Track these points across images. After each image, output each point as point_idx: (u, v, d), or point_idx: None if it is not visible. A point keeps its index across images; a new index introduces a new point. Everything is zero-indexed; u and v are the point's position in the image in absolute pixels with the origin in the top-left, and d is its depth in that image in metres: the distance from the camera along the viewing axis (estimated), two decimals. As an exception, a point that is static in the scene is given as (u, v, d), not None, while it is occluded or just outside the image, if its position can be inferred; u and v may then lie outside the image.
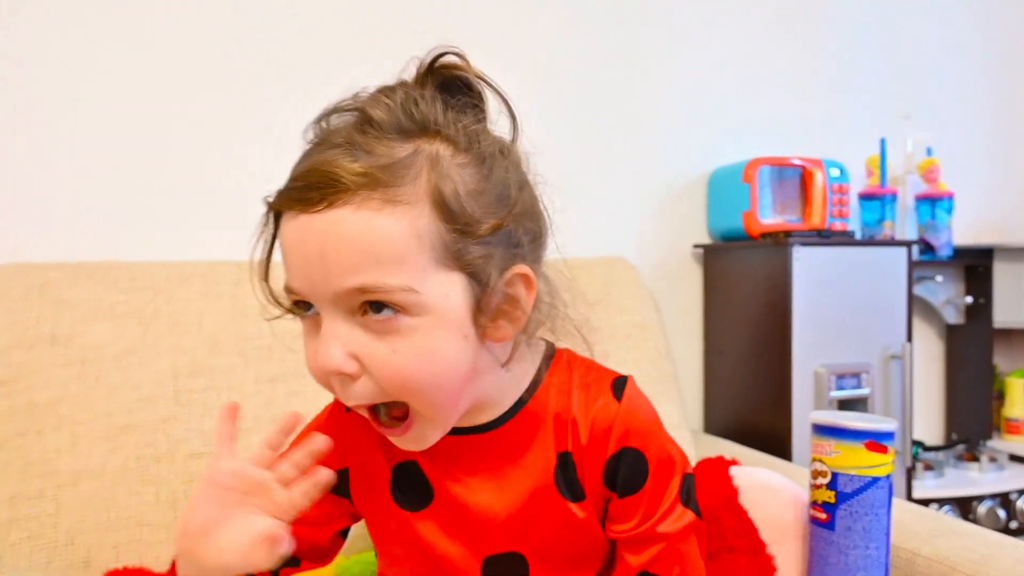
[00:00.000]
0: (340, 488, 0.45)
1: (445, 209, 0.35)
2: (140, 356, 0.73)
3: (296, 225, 0.35)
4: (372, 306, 0.35)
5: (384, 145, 0.35)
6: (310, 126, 0.38)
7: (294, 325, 0.79)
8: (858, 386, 1.09)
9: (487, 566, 0.43)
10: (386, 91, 0.37)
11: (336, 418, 0.47)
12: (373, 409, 0.38)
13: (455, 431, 0.41)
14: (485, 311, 0.37)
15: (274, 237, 0.39)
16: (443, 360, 0.36)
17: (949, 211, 1.32)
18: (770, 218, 1.15)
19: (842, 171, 1.19)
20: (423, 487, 0.43)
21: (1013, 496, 1.25)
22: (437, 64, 0.38)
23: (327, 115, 0.38)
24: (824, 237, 1.10)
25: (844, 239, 1.12)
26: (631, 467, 0.42)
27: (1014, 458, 1.35)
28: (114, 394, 0.71)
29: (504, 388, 0.42)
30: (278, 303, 0.39)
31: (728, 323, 1.19)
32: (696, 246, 1.23)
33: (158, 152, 0.93)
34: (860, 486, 0.55)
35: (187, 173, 0.94)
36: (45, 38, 0.87)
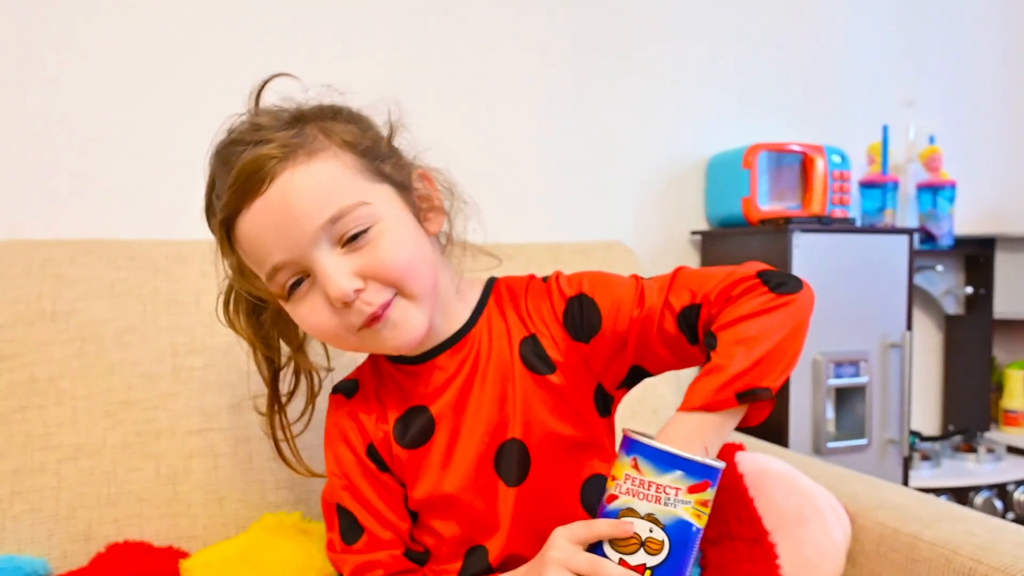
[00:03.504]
0: (381, 464, 0.52)
1: (349, 145, 0.46)
2: (140, 333, 0.73)
3: (254, 212, 0.44)
4: (349, 238, 0.44)
5: (281, 132, 0.46)
6: (209, 158, 0.48)
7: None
8: (856, 374, 1.10)
9: (498, 458, 0.51)
10: (256, 112, 0.49)
11: (343, 408, 0.54)
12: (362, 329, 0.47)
13: (425, 356, 0.51)
14: (415, 207, 0.49)
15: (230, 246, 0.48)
16: (412, 242, 0.47)
17: (951, 200, 1.32)
18: (769, 204, 1.15)
19: (843, 158, 1.18)
20: (425, 417, 0.51)
21: (1011, 487, 1.25)
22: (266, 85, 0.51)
23: (223, 144, 0.48)
24: (824, 224, 1.09)
25: (845, 226, 1.12)
26: (586, 311, 0.51)
27: (1012, 449, 1.35)
28: (114, 370, 0.71)
29: (456, 309, 0.52)
30: (271, 296, 0.47)
31: (727, 310, 1.19)
32: (694, 232, 1.23)
33: (159, 132, 0.93)
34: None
35: (187, 153, 0.94)
36: (45, 14, 0.87)
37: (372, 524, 0.51)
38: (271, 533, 0.68)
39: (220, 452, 0.72)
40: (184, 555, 0.66)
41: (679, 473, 0.40)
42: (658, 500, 0.40)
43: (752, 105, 1.26)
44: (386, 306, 0.45)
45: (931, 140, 1.36)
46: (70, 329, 0.71)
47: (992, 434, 1.40)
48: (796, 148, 1.16)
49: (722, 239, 1.20)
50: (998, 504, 1.24)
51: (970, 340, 1.42)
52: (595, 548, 0.42)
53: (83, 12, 0.89)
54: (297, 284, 0.45)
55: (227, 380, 0.74)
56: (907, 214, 1.39)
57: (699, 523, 0.41)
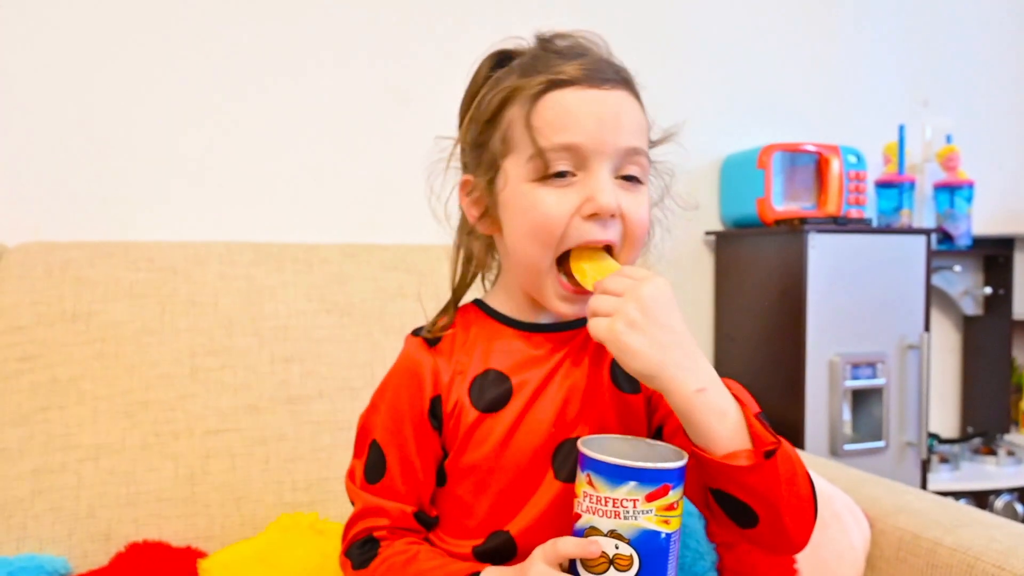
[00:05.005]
0: (437, 420, 0.51)
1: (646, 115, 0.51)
2: (158, 335, 0.74)
3: (589, 96, 0.47)
4: (625, 176, 0.48)
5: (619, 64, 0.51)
6: (547, 35, 0.53)
7: (307, 306, 0.80)
8: (873, 376, 1.08)
9: (557, 452, 0.50)
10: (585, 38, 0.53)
11: (422, 353, 0.52)
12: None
13: (536, 327, 0.51)
14: None
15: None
16: (647, 219, 0.50)
17: (969, 200, 1.30)
18: (784, 205, 1.14)
19: (859, 158, 1.17)
20: (504, 387, 0.50)
21: (1031, 491, 1.23)
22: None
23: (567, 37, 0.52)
24: (840, 224, 1.08)
25: (861, 226, 1.11)
26: None
27: (1033, 452, 1.33)
28: (133, 371, 0.72)
29: None
30: (547, 167, 0.47)
31: (740, 310, 1.18)
32: (708, 233, 1.22)
33: (177, 135, 0.94)
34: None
35: (204, 156, 0.95)
36: (63, 20, 0.89)
37: (397, 472, 0.50)
38: (288, 533, 0.68)
39: (237, 453, 0.73)
40: (202, 555, 0.67)
41: (632, 484, 0.38)
42: (617, 515, 0.39)
43: (766, 105, 1.25)
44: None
45: (948, 139, 1.35)
46: (90, 330, 0.72)
47: (1012, 436, 1.38)
48: (811, 148, 1.15)
49: (736, 240, 1.19)
50: (1019, 508, 1.22)
51: (989, 341, 1.40)
52: (571, 567, 0.41)
53: (102, 18, 0.90)
54: (559, 175, 0.46)
55: (244, 381, 0.75)
56: (924, 214, 1.37)
57: (668, 528, 0.39)
